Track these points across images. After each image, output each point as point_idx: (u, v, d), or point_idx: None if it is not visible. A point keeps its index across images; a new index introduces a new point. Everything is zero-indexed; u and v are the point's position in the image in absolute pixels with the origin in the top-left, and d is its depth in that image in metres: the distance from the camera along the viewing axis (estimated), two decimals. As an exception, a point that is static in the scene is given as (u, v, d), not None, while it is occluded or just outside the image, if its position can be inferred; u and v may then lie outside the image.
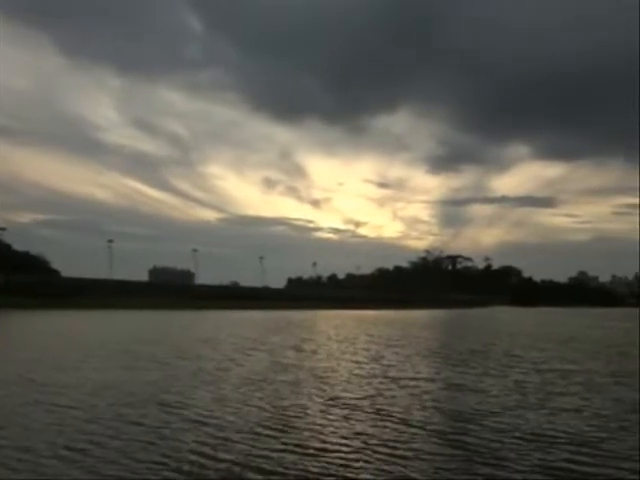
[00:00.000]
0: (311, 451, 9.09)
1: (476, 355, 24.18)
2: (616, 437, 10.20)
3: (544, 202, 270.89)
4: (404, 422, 11.12)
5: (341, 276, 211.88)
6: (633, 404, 13.30)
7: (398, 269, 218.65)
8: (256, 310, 79.85)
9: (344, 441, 9.71)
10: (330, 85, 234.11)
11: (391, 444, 9.56)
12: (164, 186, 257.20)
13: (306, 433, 10.27)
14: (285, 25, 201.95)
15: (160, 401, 12.81)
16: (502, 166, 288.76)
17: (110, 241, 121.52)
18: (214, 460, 8.53)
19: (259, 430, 10.34)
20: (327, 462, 8.50)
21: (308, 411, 12.11)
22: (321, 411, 12.13)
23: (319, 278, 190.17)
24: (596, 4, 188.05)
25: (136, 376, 16.53)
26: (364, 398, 13.64)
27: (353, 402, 13.10)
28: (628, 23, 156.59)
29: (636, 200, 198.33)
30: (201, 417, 11.33)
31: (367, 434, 10.21)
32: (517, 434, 10.30)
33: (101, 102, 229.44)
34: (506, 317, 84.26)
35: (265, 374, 17.31)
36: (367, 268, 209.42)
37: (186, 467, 8.19)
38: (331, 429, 10.58)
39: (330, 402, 13.08)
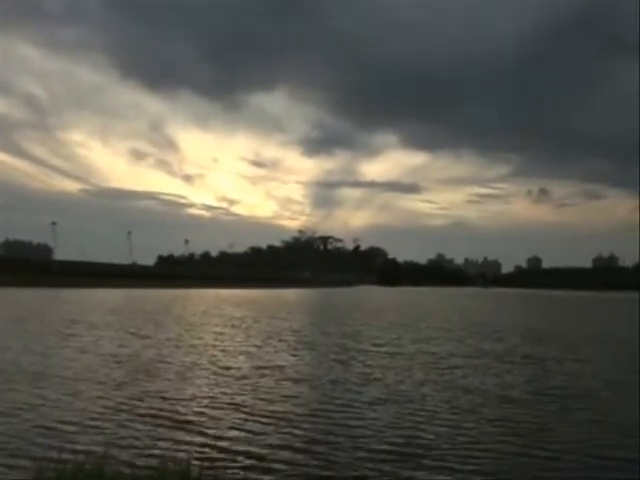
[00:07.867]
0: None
1: (332, 337, 23.54)
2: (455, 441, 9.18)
3: (408, 188, 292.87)
4: (230, 437, 9.02)
5: (214, 254, 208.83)
6: (466, 391, 12.83)
7: (271, 248, 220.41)
8: (122, 289, 75.97)
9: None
10: (206, 57, 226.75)
11: (210, 464, 6.92)
12: (17, 151, 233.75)
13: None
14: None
15: None
16: (372, 152, 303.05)
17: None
18: None
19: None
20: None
21: (101, 422, 9.37)
22: (119, 423, 9.49)
23: (191, 256, 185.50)
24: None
25: None
26: (186, 399, 11.32)
27: (170, 409, 10.70)
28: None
29: (486, 190, 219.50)
30: None
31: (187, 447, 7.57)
32: (359, 442, 8.78)
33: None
34: (370, 296, 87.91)
35: (69, 368, 14.13)
36: (240, 246, 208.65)
37: None
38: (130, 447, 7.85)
39: (137, 406, 10.48)
